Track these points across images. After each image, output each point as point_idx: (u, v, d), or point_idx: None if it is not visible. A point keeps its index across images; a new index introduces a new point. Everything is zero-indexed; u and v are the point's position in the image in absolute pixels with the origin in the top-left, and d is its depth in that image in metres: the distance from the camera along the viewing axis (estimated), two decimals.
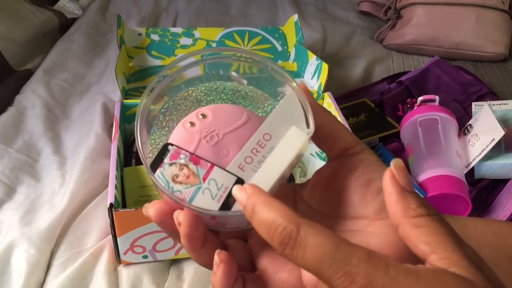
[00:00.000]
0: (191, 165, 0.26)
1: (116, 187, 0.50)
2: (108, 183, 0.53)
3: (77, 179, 0.61)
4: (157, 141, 0.28)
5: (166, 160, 0.26)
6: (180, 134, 0.27)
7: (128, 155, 0.64)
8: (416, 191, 0.54)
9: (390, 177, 0.23)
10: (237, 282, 0.26)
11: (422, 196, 0.57)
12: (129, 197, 0.56)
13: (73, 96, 0.81)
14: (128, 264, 0.53)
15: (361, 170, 0.28)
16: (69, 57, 0.90)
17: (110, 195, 0.49)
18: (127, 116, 0.67)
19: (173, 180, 0.25)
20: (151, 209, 0.26)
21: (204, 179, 0.25)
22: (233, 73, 0.30)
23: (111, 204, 0.47)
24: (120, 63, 0.70)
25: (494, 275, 0.21)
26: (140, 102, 0.28)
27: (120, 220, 0.48)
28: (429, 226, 0.21)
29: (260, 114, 0.29)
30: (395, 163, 0.23)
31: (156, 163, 0.26)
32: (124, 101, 0.65)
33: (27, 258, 0.51)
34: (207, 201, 0.25)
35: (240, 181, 0.25)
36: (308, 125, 0.27)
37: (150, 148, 0.28)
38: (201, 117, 0.27)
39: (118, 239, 0.49)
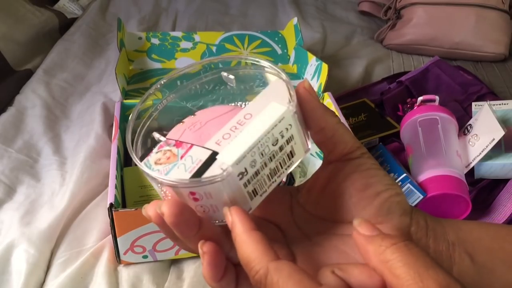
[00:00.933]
0: (174, 149, 0.27)
1: (116, 187, 0.50)
2: (108, 183, 0.53)
3: (77, 179, 0.61)
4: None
5: (154, 150, 0.28)
6: (171, 131, 0.30)
7: (128, 155, 0.64)
8: (417, 192, 0.54)
9: (355, 233, 0.24)
10: (228, 273, 0.25)
11: (422, 196, 0.57)
12: (129, 197, 0.56)
13: (73, 96, 0.81)
14: (128, 264, 0.53)
15: (358, 174, 0.27)
16: (69, 57, 0.90)
17: (110, 195, 0.49)
18: (127, 116, 0.67)
19: (155, 163, 0.27)
20: (150, 209, 0.26)
21: (182, 157, 0.26)
22: (223, 73, 0.31)
23: (111, 204, 0.47)
24: (120, 63, 0.70)
25: None
26: (138, 102, 0.31)
27: (120, 220, 0.48)
28: (394, 258, 0.21)
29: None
30: (358, 222, 0.24)
31: (145, 155, 0.28)
32: (124, 101, 0.65)
33: (27, 258, 0.51)
34: (181, 173, 0.25)
35: (214, 153, 0.25)
36: (290, 100, 0.26)
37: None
38: (192, 116, 0.30)
39: (118, 239, 0.49)
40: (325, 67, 0.70)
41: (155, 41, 0.85)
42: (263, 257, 0.23)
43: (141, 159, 0.28)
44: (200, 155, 0.26)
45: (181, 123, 0.30)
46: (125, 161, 0.63)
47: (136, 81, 0.75)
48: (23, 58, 0.87)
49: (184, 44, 0.85)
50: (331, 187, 0.29)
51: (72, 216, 0.58)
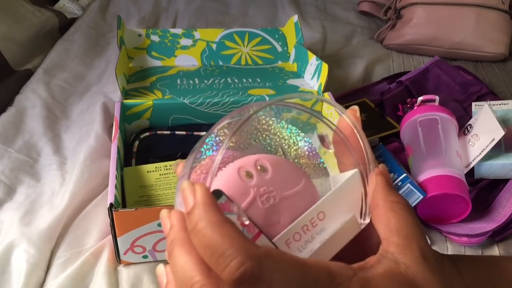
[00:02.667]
0: (238, 225, 0.23)
1: (116, 187, 0.50)
2: (108, 183, 0.53)
3: (77, 179, 0.61)
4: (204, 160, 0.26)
5: None
6: (234, 183, 0.24)
7: (128, 155, 0.64)
8: (415, 190, 0.54)
9: (379, 173, 0.26)
10: None
11: (422, 196, 0.57)
12: (129, 197, 0.56)
13: (73, 96, 0.81)
14: (128, 264, 0.53)
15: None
16: (69, 57, 0.90)
17: (110, 195, 0.49)
18: (127, 116, 0.67)
19: None
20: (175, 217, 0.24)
21: None
22: (320, 134, 0.27)
23: (111, 204, 0.47)
24: (120, 64, 0.70)
25: (439, 268, 0.23)
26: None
27: (120, 220, 0.48)
28: (399, 213, 0.24)
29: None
30: (382, 167, 0.26)
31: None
32: (124, 101, 0.65)
33: (27, 258, 0.51)
34: None
35: None
36: (361, 216, 0.25)
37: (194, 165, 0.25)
38: (259, 168, 0.25)
39: (118, 239, 0.49)
40: (325, 66, 0.70)
41: (155, 38, 0.84)
42: (249, 247, 0.20)
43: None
44: None
45: (245, 174, 0.24)
46: (125, 161, 0.63)
47: (136, 80, 0.75)
48: (23, 58, 0.87)
49: (184, 41, 0.85)
50: None
51: (72, 216, 0.58)
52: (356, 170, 0.26)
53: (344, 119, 0.26)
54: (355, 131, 0.26)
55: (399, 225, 0.24)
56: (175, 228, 0.23)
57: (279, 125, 0.28)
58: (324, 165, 0.28)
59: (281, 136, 0.28)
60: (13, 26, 0.88)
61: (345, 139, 0.26)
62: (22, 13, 0.93)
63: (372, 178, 0.26)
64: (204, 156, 0.26)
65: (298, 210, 0.25)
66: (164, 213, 0.25)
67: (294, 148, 0.28)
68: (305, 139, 0.28)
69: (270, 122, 0.27)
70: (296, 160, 0.28)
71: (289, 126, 0.28)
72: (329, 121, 0.26)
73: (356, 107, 0.27)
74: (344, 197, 0.25)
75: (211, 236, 0.20)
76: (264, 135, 0.27)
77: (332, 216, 0.25)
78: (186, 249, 0.22)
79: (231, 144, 0.26)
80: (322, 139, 0.26)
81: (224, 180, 0.24)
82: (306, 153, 0.28)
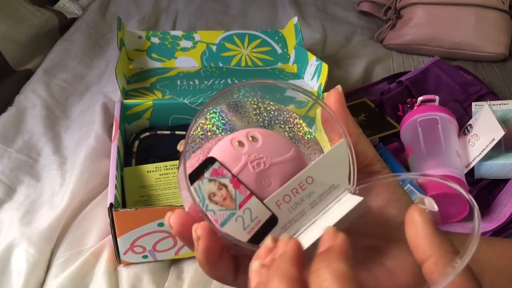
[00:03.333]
0: (230, 188, 0.25)
1: (116, 187, 0.50)
2: (108, 183, 0.53)
3: (77, 179, 0.61)
4: (199, 137, 0.28)
5: (207, 174, 0.25)
6: (226, 151, 0.26)
7: (128, 155, 0.64)
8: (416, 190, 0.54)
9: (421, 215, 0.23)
10: (224, 259, 0.25)
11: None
12: (129, 197, 0.56)
13: (73, 96, 0.81)
14: (128, 264, 0.53)
15: (379, 189, 0.27)
16: (69, 57, 0.90)
17: (110, 195, 0.49)
18: (127, 116, 0.67)
19: (209, 198, 0.25)
20: (173, 220, 0.25)
21: (240, 206, 0.25)
22: (425, 198, 0.25)
23: (111, 204, 0.47)
24: (120, 63, 0.70)
25: None
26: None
27: (120, 220, 0.48)
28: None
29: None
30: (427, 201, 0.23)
31: (196, 175, 0.25)
32: (124, 101, 0.65)
33: (27, 258, 0.51)
34: (239, 229, 0.25)
35: (273, 218, 0.25)
36: (349, 181, 0.27)
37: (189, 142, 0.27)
38: (250, 139, 0.26)
39: (118, 239, 0.49)
40: (325, 67, 0.70)
41: (155, 40, 0.85)
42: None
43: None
44: (259, 213, 0.25)
45: (238, 144, 0.26)
46: (125, 161, 0.63)
47: (136, 81, 0.75)
48: (23, 58, 0.87)
49: (184, 43, 0.85)
50: None
51: (72, 216, 0.58)
52: (342, 139, 0.27)
53: (330, 95, 0.28)
54: (334, 119, 0.27)
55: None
56: (284, 258, 0.22)
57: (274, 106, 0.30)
58: (317, 141, 0.30)
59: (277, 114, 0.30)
60: (13, 26, 0.88)
61: (330, 111, 0.27)
62: (22, 13, 0.93)
63: (414, 216, 0.24)
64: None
65: (288, 175, 0.26)
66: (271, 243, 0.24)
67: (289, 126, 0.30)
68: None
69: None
70: (289, 134, 0.30)
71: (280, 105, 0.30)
72: (311, 95, 0.28)
73: (338, 88, 0.28)
74: (331, 163, 0.27)
75: None
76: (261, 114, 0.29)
77: (320, 180, 0.26)
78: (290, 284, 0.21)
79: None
80: (422, 201, 0.26)
81: (218, 149, 0.26)
82: (301, 130, 0.30)
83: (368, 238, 0.28)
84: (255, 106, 0.29)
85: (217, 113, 0.28)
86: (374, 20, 1.17)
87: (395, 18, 1.06)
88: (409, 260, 0.25)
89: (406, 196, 0.28)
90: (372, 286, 0.27)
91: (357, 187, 0.27)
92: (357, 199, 0.26)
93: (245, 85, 0.27)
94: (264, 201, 0.25)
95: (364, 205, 0.26)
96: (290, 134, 0.29)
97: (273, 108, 0.30)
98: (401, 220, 0.25)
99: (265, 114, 0.29)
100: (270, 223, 0.25)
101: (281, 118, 0.30)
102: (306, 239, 0.24)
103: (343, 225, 0.25)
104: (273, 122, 0.29)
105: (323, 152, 0.29)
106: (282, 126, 0.29)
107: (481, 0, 0.97)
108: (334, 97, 0.28)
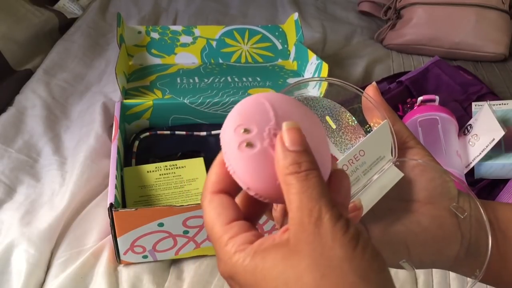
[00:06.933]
0: None
1: (116, 187, 0.50)
2: (108, 183, 0.53)
3: (77, 179, 0.61)
4: None
5: None
6: (248, 160, 0.26)
7: (128, 155, 0.64)
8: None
9: (278, 137, 0.24)
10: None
11: None
12: (129, 197, 0.56)
13: (73, 96, 0.81)
14: (128, 264, 0.53)
15: (415, 162, 0.33)
16: (69, 57, 0.90)
17: (110, 195, 0.49)
18: (127, 116, 0.67)
19: None
20: None
21: None
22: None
23: (111, 204, 0.47)
24: (120, 62, 0.70)
25: (330, 228, 0.22)
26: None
27: (120, 220, 0.48)
28: (293, 184, 0.23)
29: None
30: (287, 124, 0.24)
31: None
32: (124, 101, 0.65)
33: (27, 258, 0.51)
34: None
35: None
36: (392, 153, 0.33)
37: None
38: (242, 131, 0.25)
39: (118, 239, 0.49)
40: (325, 66, 0.70)
41: (155, 35, 0.84)
42: (208, 187, 0.26)
43: None
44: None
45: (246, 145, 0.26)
46: (125, 161, 0.63)
47: (136, 79, 0.75)
48: (23, 58, 0.87)
49: (184, 39, 0.85)
50: None
51: (72, 216, 0.58)
52: (385, 120, 0.33)
53: (369, 89, 0.34)
54: (376, 106, 0.33)
55: (292, 201, 0.23)
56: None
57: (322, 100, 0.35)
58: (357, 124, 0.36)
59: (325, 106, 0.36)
60: (13, 26, 0.88)
61: (372, 100, 0.33)
62: (22, 13, 0.92)
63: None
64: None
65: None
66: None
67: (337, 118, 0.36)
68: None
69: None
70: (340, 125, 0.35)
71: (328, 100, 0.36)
72: (358, 88, 0.34)
73: (374, 84, 0.35)
74: (377, 139, 0.32)
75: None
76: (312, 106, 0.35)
77: (370, 153, 0.32)
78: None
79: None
80: (456, 208, 0.33)
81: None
82: (349, 120, 0.36)
83: (394, 199, 0.33)
84: (306, 102, 0.35)
85: None
86: (374, 20, 1.17)
87: (395, 18, 1.06)
88: (433, 214, 0.32)
89: (433, 172, 0.33)
90: (410, 240, 0.32)
91: (397, 159, 0.33)
92: (399, 174, 0.32)
93: (299, 83, 0.33)
94: (337, 162, 0.30)
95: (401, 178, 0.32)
96: (340, 122, 0.35)
97: (324, 103, 0.35)
98: (422, 187, 0.32)
99: (318, 107, 0.35)
100: None
101: (330, 110, 0.35)
102: (363, 200, 0.30)
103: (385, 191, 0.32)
104: (324, 113, 0.35)
105: (365, 135, 0.34)
106: (333, 116, 0.35)
107: (481, 0, 0.97)
108: (372, 89, 0.34)
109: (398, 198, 0.33)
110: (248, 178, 0.25)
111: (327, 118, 0.35)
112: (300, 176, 0.23)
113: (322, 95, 0.69)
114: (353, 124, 0.35)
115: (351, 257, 0.21)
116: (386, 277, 0.22)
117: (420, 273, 0.54)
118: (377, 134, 0.33)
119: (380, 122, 0.33)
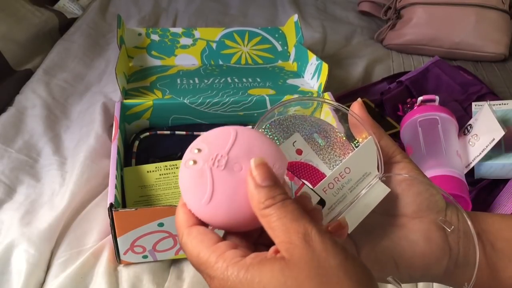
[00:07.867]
0: (287, 180, 0.30)
1: (116, 187, 0.50)
2: (108, 183, 0.53)
3: (77, 179, 0.61)
4: None
5: None
6: (187, 176, 0.27)
7: (128, 155, 0.64)
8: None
9: (249, 173, 0.26)
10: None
11: None
12: (129, 197, 0.56)
13: (73, 96, 0.81)
14: (128, 264, 0.53)
15: (402, 177, 0.33)
16: (69, 57, 0.90)
17: (110, 195, 0.49)
18: (127, 116, 0.67)
19: None
20: None
21: (296, 193, 0.30)
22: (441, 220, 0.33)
23: (111, 204, 0.47)
24: (120, 63, 0.70)
25: (326, 245, 0.23)
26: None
27: (120, 220, 0.48)
28: (272, 214, 0.24)
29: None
30: (255, 161, 0.26)
31: None
32: (124, 101, 0.65)
33: (27, 258, 0.51)
34: None
35: (322, 201, 0.31)
36: (378, 169, 0.33)
37: None
38: (196, 151, 0.28)
39: (118, 239, 0.49)
40: (325, 66, 0.70)
41: (155, 37, 0.84)
42: (182, 225, 0.26)
43: None
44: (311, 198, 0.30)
45: (192, 163, 0.28)
46: (125, 161, 0.63)
47: (136, 79, 0.75)
48: (23, 58, 0.87)
49: (184, 41, 0.85)
50: None
51: (72, 216, 0.58)
52: (370, 137, 0.33)
53: (354, 106, 0.34)
54: (361, 123, 0.33)
55: (275, 228, 0.25)
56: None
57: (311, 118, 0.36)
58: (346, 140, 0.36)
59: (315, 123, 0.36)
60: (13, 26, 0.88)
61: (358, 117, 0.34)
62: (22, 13, 0.92)
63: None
64: None
65: (246, 150, 0.28)
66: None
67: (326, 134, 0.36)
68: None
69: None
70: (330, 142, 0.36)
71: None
72: (343, 106, 0.34)
73: (359, 100, 0.34)
74: (362, 156, 0.32)
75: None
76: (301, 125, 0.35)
77: (356, 170, 0.32)
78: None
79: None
80: (443, 222, 0.33)
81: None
82: (338, 137, 0.36)
83: (381, 214, 0.33)
84: (294, 121, 0.35)
85: (266, 129, 0.34)
86: (374, 20, 1.17)
87: (395, 18, 1.06)
88: (421, 228, 0.32)
89: (420, 185, 0.33)
90: (398, 255, 0.32)
91: (384, 175, 0.33)
92: (385, 189, 0.32)
93: (284, 104, 0.33)
94: (314, 188, 0.31)
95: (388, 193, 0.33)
96: (328, 138, 0.35)
97: (312, 120, 0.35)
98: (409, 201, 0.33)
99: (306, 125, 0.35)
100: (320, 204, 0.31)
101: (318, 127, 0.36)
102: (350, 217, 0.31)
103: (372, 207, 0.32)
104: (312, 131, 0.35)
105: (353, 150, 0.34)
106: (321, 133, 0.35)
107: (481, 0, 0.97)
108: (358, 106, 0.34)
109: (386, 213, 0.33)
110: (184, 192, 0.27)
111: (315, 135, 0.35)
112: (277, 205, 0.24)
113: (322, 86, 0.69)
114: (341, 140, 0.35)
115: (345, 265, 0.23)
116: (377, 284, 0.24)
117: None
118: (362, 150, 0.33)
119: (368, 137, 0.33)
